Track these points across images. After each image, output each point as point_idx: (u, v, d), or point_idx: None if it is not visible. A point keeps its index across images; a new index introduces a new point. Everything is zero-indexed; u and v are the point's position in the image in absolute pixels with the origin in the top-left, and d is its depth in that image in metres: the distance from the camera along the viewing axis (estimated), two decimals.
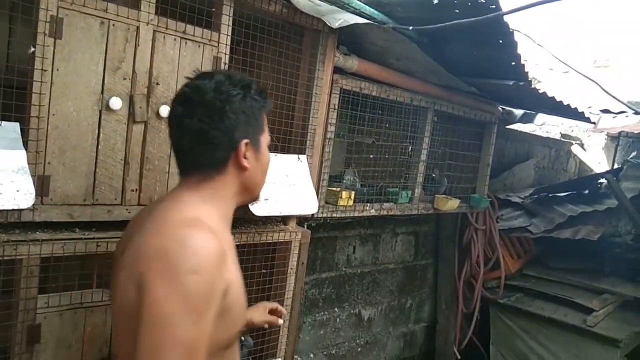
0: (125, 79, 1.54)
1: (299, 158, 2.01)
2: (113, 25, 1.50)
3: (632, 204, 3.84)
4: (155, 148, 1.63)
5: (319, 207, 2.33)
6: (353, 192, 2.45)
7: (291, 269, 2.09)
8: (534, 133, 5.11)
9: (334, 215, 2.40)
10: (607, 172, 4.65)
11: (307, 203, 1.96)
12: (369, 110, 2.42)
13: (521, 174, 4.54)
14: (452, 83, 2.63)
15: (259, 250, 2.11)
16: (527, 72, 2.29)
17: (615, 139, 5.06)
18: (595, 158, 5.51)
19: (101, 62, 1.49)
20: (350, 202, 2.45)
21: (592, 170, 5.37)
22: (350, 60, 2.23)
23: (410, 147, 2.63)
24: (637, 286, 3.75)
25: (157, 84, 1.60)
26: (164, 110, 1.59)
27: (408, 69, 2.49)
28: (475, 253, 3.76)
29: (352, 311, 3.36)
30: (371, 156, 2.56)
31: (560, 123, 4.60)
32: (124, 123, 1.56)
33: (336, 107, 2.26)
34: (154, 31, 1.57)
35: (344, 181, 2.84)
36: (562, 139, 5.56)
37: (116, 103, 1.51)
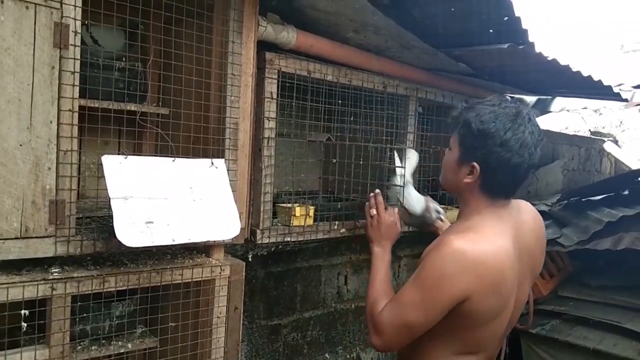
0: None
1: (212, 163, 1.45)
2: None
3: None
4: None
5: (263, 229, 1.76)
6: (312, 208, 1.87)
7: (217, 317, 1.51)
8: (558, 131, 4.52)
9: (287, 239, 1.82)
10: None
11: (220, 225, 1.39)
12: (324, 101, 1.85)
13: (547, 179, 3.99)
14: (434, 61, 2.06)
15: (182, 292, 1.55)
16: (527, 31, 1.70)
17: None
18: (634, 155, 4.83)
19: None
20: (309, 221, 1.87)
21: (631, 170, 4.70)
22: (285, 32, 1.68)
23: (388, 147, 2.03)
24: None
25: None
26: None
27: (372, 44, 1.93)
28: None
29: (348, 356, 2.87)
30: (334, 160, 1.98)
31: (583, 107, 3.95)
32: None
33: (274, 95, 1.71)
34: None
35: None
36: (592, 137, 4.96)
37: None
